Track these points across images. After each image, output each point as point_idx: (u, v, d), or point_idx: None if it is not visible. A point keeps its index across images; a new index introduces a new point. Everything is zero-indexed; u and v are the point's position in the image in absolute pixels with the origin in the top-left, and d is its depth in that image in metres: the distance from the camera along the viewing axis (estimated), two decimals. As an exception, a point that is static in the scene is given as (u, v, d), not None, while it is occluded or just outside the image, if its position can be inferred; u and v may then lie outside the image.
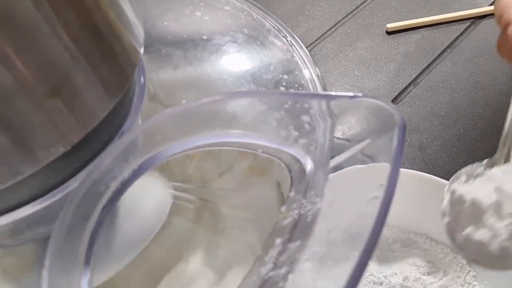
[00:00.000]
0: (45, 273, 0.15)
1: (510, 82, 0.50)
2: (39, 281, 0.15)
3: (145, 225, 0.21)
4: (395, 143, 0.14)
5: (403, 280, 0.37)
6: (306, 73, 0.23)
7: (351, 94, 0.16)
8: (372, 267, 0.38)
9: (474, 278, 0.36)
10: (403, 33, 0.58)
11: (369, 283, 0.37)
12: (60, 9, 0.14)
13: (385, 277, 0.37)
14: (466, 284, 0.36)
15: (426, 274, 0.38)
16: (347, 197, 0.16)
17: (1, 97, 0.13)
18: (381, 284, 0.37)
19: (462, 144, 0.46)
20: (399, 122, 0.15)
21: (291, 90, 0.21)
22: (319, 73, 0.23)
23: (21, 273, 0.20)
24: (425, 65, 0.54)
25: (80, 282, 0.15)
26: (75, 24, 0.15)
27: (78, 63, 0.15)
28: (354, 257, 0.13)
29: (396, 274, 0.37)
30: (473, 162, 0.44)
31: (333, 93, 0.16)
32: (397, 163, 0.14)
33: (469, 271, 0.37)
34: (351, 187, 0.17)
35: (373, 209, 0.13)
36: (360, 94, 0.16)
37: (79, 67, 0.15)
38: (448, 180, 0.37)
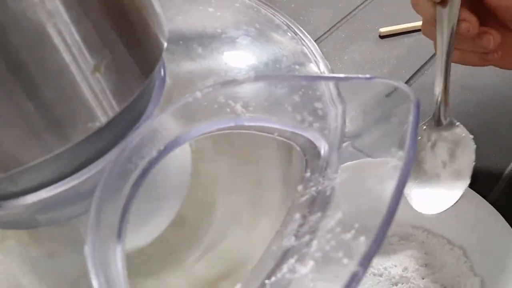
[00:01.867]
0: (87, 247, 0.15)
1: (498, 83, 0.52)
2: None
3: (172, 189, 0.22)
4: (411, 118, 0.15)
5: (403, 271, 0.38)
6: (317, 65, 0.24)
7: (367, 75, 0.17)
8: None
9: (470, 268, 0.38)
10: (396, 37, 0.60)
11: (369, 274, 0.39)
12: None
13: (385, 268, 0.38)
14: (463, 275, 0.38)
15: (424, 265, 0.39)
16: (368, 169, 0.17)
17: (46, 73, 0.14)
18: (381, 275, 0.38)
19: (455, 142, 0.48)
20: (413, 99, 0.16)
21: (308, 75, 0.22)
22: (329, 66, 0.24)
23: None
24: (418, 67, 0.55)
25: (115, 254, 0.16)
26: (111, 11, 0.16)
27: (116, 44, 0.16)
28: (365, 228, 0.14)
29: (395, 265, 0.39)
30: (466, 159, 0.46)
31: (348, 75, 0.18)
32: (414, 135, 0.15)
33: (465, 262, 0.38)
34: (367, 170, 0.18)
35: (395, 174, 0.14)
36: (374, 76, 0.17)
37: (117, 47, 0.16)
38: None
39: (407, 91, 0.16)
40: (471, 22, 0.35)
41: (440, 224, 0.40)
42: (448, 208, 0.37)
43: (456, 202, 0.34)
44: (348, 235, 0.14)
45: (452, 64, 0.55)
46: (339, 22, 0.63)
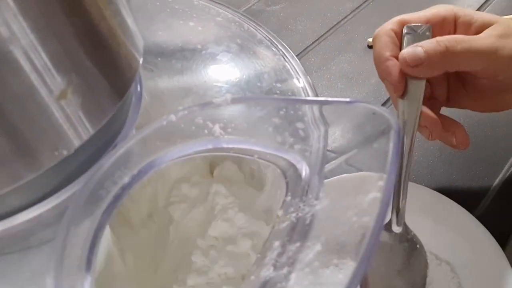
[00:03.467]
0: (49, 280, 0.14)
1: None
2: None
3: None
4: (391, 145, 0.15)
5: (390, 287, 0.37)
6: (298, 81, 0.24)
7: (347, 99, 0.17)
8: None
9: (458, 284, 0.37)
10: (384, 47, 0.60)
11: (356, 291, 0.38)
12: (69, 16, 0.14)
13: (372, 284, 0.38)
14: (450, 290, 0.37)
15: (412, 281, 0.38)
16: (347, 199, 0.17)
17: (10, 100, 0.13)
18: (368, 291, 0.38)
19: (442, 154, 0.47)
20: (394, 126, 0.15)
21: (287, 96, 0.22)
22: (311, 82, 0.24)
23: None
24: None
25: (83, 286, 0.15)
26: (82, 31, 0.15)
27: (83, 68, 0.15)
28: (344, 264, 0.13)
29: (382, 281, 0.38)
30: (453, 171, 0.46)
31: (329, 98, 0.17)
32: (394, 163, 0.14)
33: (453, 277, 0.38)
34: (348, 190, 0.18)
35: (374, 208, 0.13)
36: (355, 99, 0.17)
37: (85, 72, 0.15)
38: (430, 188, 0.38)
39: (388, 117, 0.15)
40: (433, 127, 0.35)
41: (428, 239, 0.39)
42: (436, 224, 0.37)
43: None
44: (327, 271, 0.14)
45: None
46: (327, 32, 0.63)
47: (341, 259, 0.14)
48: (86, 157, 0.18)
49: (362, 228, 0.13)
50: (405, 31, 0.37)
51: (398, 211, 0.34)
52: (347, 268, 0.13)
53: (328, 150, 0.41)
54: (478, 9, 0.63)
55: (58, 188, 0.17)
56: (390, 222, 0.35)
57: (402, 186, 0.34)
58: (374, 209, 0.13)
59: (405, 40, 0.37)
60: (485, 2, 0.63)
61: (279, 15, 0.66)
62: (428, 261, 0.39)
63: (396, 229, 0.35)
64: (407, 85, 0.35)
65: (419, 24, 0.37)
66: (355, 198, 0.15)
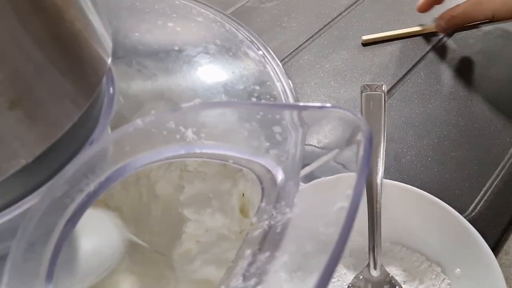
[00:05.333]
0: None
1: (482, 92, 0.52)
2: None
3: (101, 258, 0.21)
4: (361, 153, 0.14)
5: (380, 289, 0.37)
6: (278, 84, 0.23)
7: (319, 104, 0.16)
8: (349, 276, 0.38)
9: (448, 286, 0.37)
10: (378, 45, 0.59)
11: (347, 292, 0.37)
12: (23, 19, 0.14)
13: (362, 286, 0.37)
14: (441, 292, 0.37)
15: (403, 282, 0.38)
16: (317, 207, 0.16)
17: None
18: (358, 293, 0.37)
19: (436, 154, 0.47)
20: (366, 133, 0.15)
21: (263, 101, 0.21)
22: (291, 85, 0.23)
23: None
24: (400, 76, 0.55)
25: (43, 298, 0.15)
26: (38, 34, 0.14)
27: (40, 74, 0.14)
28: (308, 277, 0.13)
29: (372, 283, 0.37)
30: (446, 172, 0.45)
31: (302, 103, 0.17)
32: (363, 172, 0.14)
33: (443, 279, 0.37)
34: (321, 197, 0.17)
35: (340, 218, 0.13)
36: (328, 105, 0.16)
37: (42, 77, 0.14)
38: (422, 190, 0.38)
39: (359, 123, 0.15)
40: None
41: (419, 240, 0.39)
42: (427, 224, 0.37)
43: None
44: (291, 285, 0.13)
45: (437, 73, 0.54)
46: (321, 29, 0.62)
47: (306, 272, 0.13)
48: (53, 164, 0.17)
49: (327, 239, 0.13)
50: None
51: (374, 254, 0.35)
52: (310, 281, 0.12)
53: (318, 147, 0.41)
54: None
55: (19, 198, 0.16)
56: (369, 267, 0.36)
57: (375, 228, 0.35)
58: (340, 220, 0.13)
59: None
60: None
61: (272, 12, 0.65)
62: (419, 261, 0.39)
63: (374, 273, 0.36)
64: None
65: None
66: (325, 207, 0.15)
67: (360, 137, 0.16)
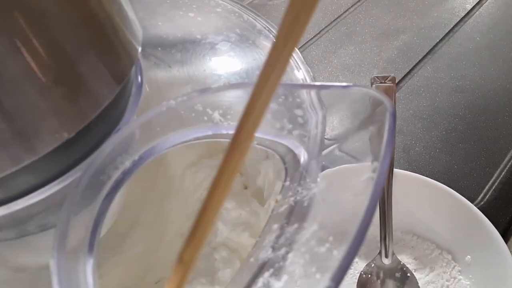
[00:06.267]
0: (53, 262, 0.15)
1: (488, 85, 0.52)
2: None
3: None
4: (386, 127, 0.15)
5: (391, 276, 0.38)
6: (298, 72, 0.24)
7: (344, 83, 0.17)
8: (360, 265, 0.39)
9: (459, 273, 0.37)
10: (385, 40, 0.60)
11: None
12: (65, 0, 0.15)
13: (374, 274, 0.38)
14: (452, 279, 0.37)
15: (414, 270, 0.39)
16: (343, 180, 0.17)
17: (8, 84, 0.14)
18: (370, 281, 0.38)
19: (444, 145, 0.47)
20: (389, 109, 0.15)
21: (286, 82, 0.22)
22: (311, 73, 0.24)
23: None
24: (407, 70, 0.55)
25: (85, 268, 0.15)
26: (79, 16, 0.15)
27: (82, 53, 0.15)
28: (339, 243, 0.13)
29: (384, 271, 0.38)
30: (455, 162, 0.46)
31: (325, 83, 0.17)
32: (389, 146, 0.15)
33: (454, 266, 0.38)
34: (345, 173, 0.18)
35: (368, 187, 0.13)
36: (351, 84, 0.17)
37: (83, 56, 0.15)
38: (432, 179, 0.39)
39: (383, 99, 0.16)
40: None
41: (429, 229, 0.40)
42: (437, 213, 0.38)
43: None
44: (322, 249, 0.14)
45: (443, 66, 0.55)
46: (328, 25, 0.63)
47: (336, 237, 0.14)
48: (88, 143, 0.18)
49: (356, 207, 0.13)
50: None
51: (385, 242, 0.36)
52: (341, 246, 0.13)
53: (326, 138, 0.42)
54: (472, 9, 0.63)
55: (60, 174, 0.17)
56: (380, 255, 0.37)
57: (387, 217, 0.36)
58: (368, 189, 0.14)
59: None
60: (478, 3, 0.63)
61: (280, 9, 0.66)
62: (430, 249, 0.40)
63: (386, 261, 0.37)
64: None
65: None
66: (350, 180, 0.16)
67: (380, 116, 0.17)
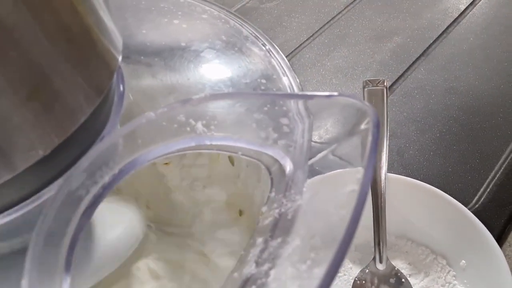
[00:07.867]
0: (24, 283, 0.14)
1: (482, 86, 0.52)
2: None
3: (120, 244, 0.21)
4: (369, 138, 0.15)
5: (386, 282, 0.37)
6: (284, 78, 0.23)
7: (327, 93, 0.16)
8: (355, 271, 0.39)
9: (454, 278, 0.37)
10: (378, 42, 0.59)
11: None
12: (38, 13, 0.14)
13: (368, 280, 0.38)
14: (447, 284, 0.37)
15: (408, 275, 0.38)
16: (327, 192, 0.17)
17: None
18: (364, 287, 0.38)
19: (438, 148, 0.47)
20: (373, 118, 0.15)
21: (270, 91, 0.21)
22: (298, 79, 0.23)
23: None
24: (400, 72, 0.55)
25: (62, 286, 0.15)
26: (53, 28, 0.15)
27: (56, 66, 0.15)
28: (321, 258, 0.13)
29: (378, 277, 0.38)
30: (449, 165, 0.45)
31: (309, 93, 0.17)
32: (372, 158, 0.14)
33: (449, 271, 0.37)
34: (330, 184, 0.18)
35: (351, 200, 0.13)
36: (335, 93, 0.16)
37: (58, 70, 0.15)
38: (426, 183, 0.38)
39: (366, 109, 0.15)
40: None
41: (424, 234, 0.39)
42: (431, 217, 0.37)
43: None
44: (303, 266, 0.13)
45: (437, 68, 0.55)
46: (321, 27, 0.63)
47: (318, 253, 0.13)
48: (66, 158, 0.18)
49: (339, 221, 0.13)
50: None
51: (379, 247, 0.36)
52: (324, 262, 0.12)
53: (319, 142, 0.41)
54: (465, 10, 0.62)
55: (35, 191, 0.16)
56: (375, 260, 0.37)
57: (380, 222, 0.36)
58: (352, 202, 0.13)
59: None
60: (471, 3, 0.63)
61: (273, 12, 0.66)
62: (424, 254, 0.39)
63: (380, 266, 0.36)
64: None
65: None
66: (334, 191, 0.15)
67: (366, 125, 0.16)
